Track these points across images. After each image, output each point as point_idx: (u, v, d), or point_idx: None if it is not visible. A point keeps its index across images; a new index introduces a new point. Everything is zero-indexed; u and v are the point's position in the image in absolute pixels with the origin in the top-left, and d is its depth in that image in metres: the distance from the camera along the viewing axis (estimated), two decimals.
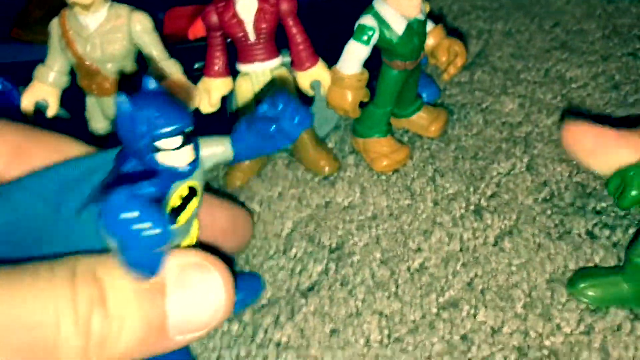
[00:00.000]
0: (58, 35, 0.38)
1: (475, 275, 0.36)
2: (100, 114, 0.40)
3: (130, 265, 0.23)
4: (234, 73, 0.40)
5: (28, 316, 0.22)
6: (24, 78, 0.40)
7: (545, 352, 0.32)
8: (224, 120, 0.43)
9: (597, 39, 0.51)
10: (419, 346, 0.33)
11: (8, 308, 0.22)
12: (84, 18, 0.37)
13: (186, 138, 0.24)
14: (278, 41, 0.39)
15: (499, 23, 0.54)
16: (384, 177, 0.42)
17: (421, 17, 0.39)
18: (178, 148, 0.24)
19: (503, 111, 0.46)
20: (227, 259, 0.27)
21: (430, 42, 0.41)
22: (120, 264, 0.23)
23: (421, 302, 0.35)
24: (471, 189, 0.41)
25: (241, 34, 0.38)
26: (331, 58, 0.39)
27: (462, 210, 0.39)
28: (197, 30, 0.45)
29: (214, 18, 0.38)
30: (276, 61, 0.39)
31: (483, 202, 0.40)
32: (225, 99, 0.41)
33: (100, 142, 0.41)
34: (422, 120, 0.44)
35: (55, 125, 0.40)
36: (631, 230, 0.37)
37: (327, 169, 0.43)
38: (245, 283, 0.35)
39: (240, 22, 0.37)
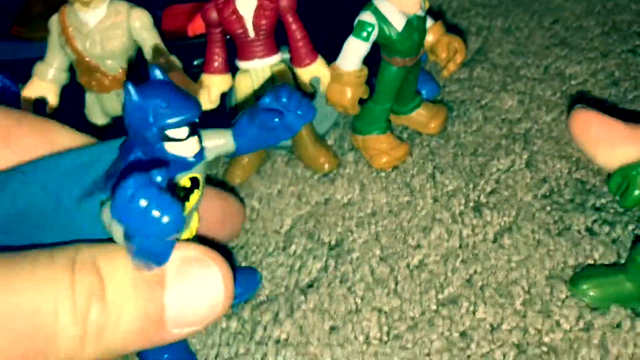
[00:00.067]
0: (58, 31, 0.38)
1: (475, 271, 0.36)
2: (99, 110, 0.40)
3: (139, 254, 0.23)
4: (233, 70, 0.40)
5: (27, 304, 0.22)
6: (24, 75, 0.40)
7: (545, 348, 0.32)
8: (223, 117, 0.43)
9: (596, 36, 0.51)
10: (418, 343, 0.33)
11: (7, 296, 0.22)
12: (84, 14, 0.37)
13: (193, 129, 0.24)
14: (277, 37, 0.39)
15: (499, 20, 0.54)
16: (383, 174, 0.42)
17: (421, 13, 0.39)
18: (185, 138, 0.24)
19: (502, 108, 0.46)
20: (226, 254, 0.27)
21: (429, 38, 0.41)
22: (123, 253, 0.23)
23: (420, 299, 0.35)
24: (471, 186, 0.41)
25: (240, 30, 0.38)
26: (331, 54, 0.39)
27: (462, 207, 0.39)
28: (196, 26, 0.45)
29: (214, 14, 0.38)
30: (276, 58, 0.39)
31: (482, 199, 0.40)
32: (225, 96, 0.41)
33: (100, 137, 0.41)
34: (422, 117, 0.44)
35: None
36: (631, 227, 0.37)
37: (326, 166, 0.43)
38: (243, 277, 0.35)
39: (239, 19, 0.37)
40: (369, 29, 0.38)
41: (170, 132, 0.23)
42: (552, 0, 0.56)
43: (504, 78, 0.48)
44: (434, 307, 0.34)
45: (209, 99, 0.40)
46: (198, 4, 0.49)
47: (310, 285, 0.36)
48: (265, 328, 0.34)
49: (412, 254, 0.37)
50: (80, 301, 0.22)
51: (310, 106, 0.27)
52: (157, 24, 0.40)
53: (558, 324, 0.33)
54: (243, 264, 0.38)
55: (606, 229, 0.37)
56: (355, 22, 0.38)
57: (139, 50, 0.39)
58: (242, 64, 0.39)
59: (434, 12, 0.55)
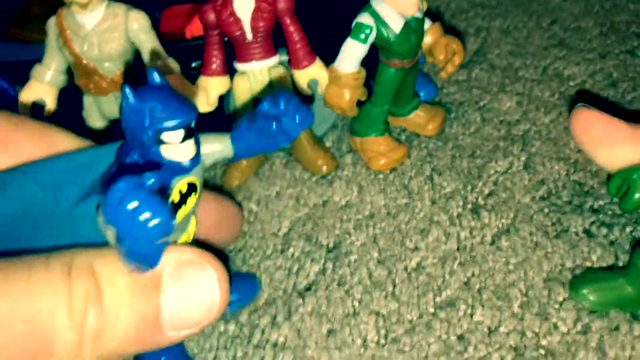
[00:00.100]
0: (55, 34, 0.38)
1: (472, 274, 0.36)
2: (97, 112, 0.40)
3: (129, 256, 0.23)
4: (231, 72, 0.40)
5: (24, 310, 0.22)
6: (22, 78, 0.40)
7: (542, 351, 0.32)
8: (221, 119, 0.43)
9: (594, 37, 0.51)
10: (415, 346, 0.33)
11: (4, 302, 0.22)
12: (82, 17, 0.37)
13: (189, 132, 0.24)
14: (275, 39, 0.39)
15: (497, 21, 0.54)
16: (381, 176, 0.42)
17: (419, 15, 0.38)
18: (181, 142, 0.24)
19: (501, 109, 0.46)
20: (222, 257, 0.27)
21: (427, 40, 0.41)
22: (118, 256, 0.23)
23: (418, 302, 0.35)
24: (469, 188, 0.41)
25: (238, 32, 0.38)
26: (329, 56, 0.39)
27: (460, 209, 0.39)
28: (194, 28, 0.45)
29: (212, 16, 0.38)
30: (273, 60, 0.39)
31: (480, 201, 0.40)
32: (223, 98, 0.41)
33: (98, 140, 0.41)
34: (420, 119, 0.44)
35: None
36: (629, 229, 0.37)
37: (324, 168, 0.43)
38: (242, 284, 0.35)
39: (237, 21, 0.37)
40: (367, 31, 0.38)
41: (165, 136, 0.24)
42: (550, 1, 0.56)
43: (503, 79, 0.48)
44: (431, 310, 0.34)
45: (207, 101, 0.40)
46: (197, 5, 0.49)
47: (308, 289, 0.36)
48: (263, 331, 0.34)
49: (410, 256, 0.37)
50: (78, 306, 0.23)
51: (309, 112, 0.27)
52: (155, 25, 0.40)
53: (556, 326, 0.33)
54: (241, 267, 0.38)
55: (604, 231, 0.37)
56: (353, 24, 0.38)
57: (137, 53, 0.39)
58: (240, 66, 0.39)
59: (432, 13, 0.55)
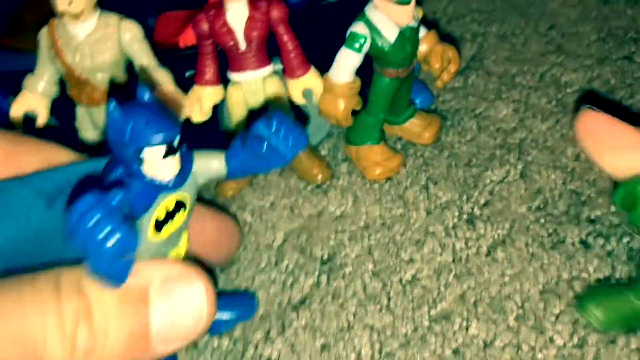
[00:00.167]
0: (47, 44, 0.38)
1: (468, 286, 0.36)
2: (90, 123, 0.40)
3: (93, 272, 0.23)
4: (225, 81, 0.39)
5: (15, 331, 0.22)
6: (14, 88, 0.39)
7: None
8: (215, 128, 0.42)
9: (592, 42, 0.51)
10: None
11: None
12: (73, 27, 0.36)
13: (170, 150, 0.24)
14: (269, 48, 0.39)
15: (494, 26, 0.54)
16: (376, 186, 0.42)
17: (413, 24, 0.38)
18: (162, 159, 0.24)
19: (497, 117, 0.45)
20: (210, 272, 0.27)
21: (423, 48, 0.41)
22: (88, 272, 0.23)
23: (413, 315, 0.35)
24: (464, 198, 0.40)
25: (232, 42, 0.37)
26: (323, 65, 0.39)
27: (455, 220, 0.39)
28: (188, 38, 0.45)
29: (205, 26, 0.37)
30: (267, 69, 0.39)
31: (476, 211, 0.39)
32: (217, 107, 0.41)
33: (91, 151, 0.41)
34: (416, 127, 0.44)
35: (45, 135, 0.39)
36: (625, 240, 0.37)
37: (319, 177, 0.42)
38: (239, 302, 0.35)
39: (230, 31, 0.37)
40: (362, 41, 0.37)
41: (146, 152, 0.23)
42: (548, 5, 0.56)
43: (499, 86, 0.48)
44: (426, 323, 0.34)
45: (200, 111, 0.39)
46: (191, 11, 0.49)
47: (302, 302, 0.36)
48: (256, 346, 0.34)
49: (405, 268, 0.37)
50: (68, 326, 0.23)
51: (303, 135, 0.27)
52: (149, 34, 0.39)
53: (552, 340, 0.33)
54: (236, 280, 0.37)
55: (601, 241, 0.37)
56: (348, 33, 0.38)
57: (130, 63, 0.39)
58: (233, 76, 0.39)
59: (429, 18, 0.55)
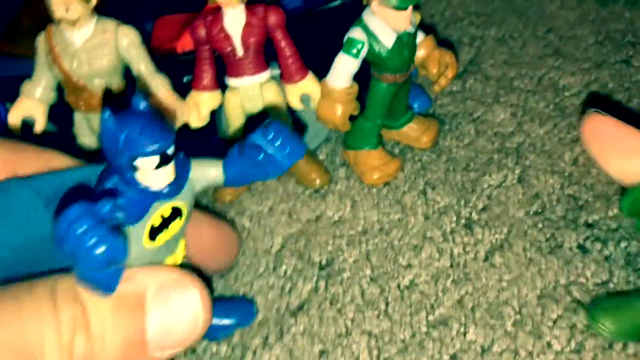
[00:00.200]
0: (45, 51, 0.38)
1: (466, 292, 0.36)
2: (88, 129, 0.40)
3: (82, 280, 0.23)
4: (223, 86, 0.39)
5: (13, 340, 0.22)
6: (12, 93, 0.39)
7: None
8: (213, 134, 0.42)
9: (590, 45, 0.51)
10: None
11: None
12: (70, 34, 0.36)
13: (164, 159, 0.24)
14: (267, 54, 0.39)
15: (492, 29, 0.54)
16: (374, 190, 0.42)
17: (411, 29, 0.38)
18: (156, 168, 0.24)
19: (495, 121, 0.45)
20: (206, 279, 0.28)
21: (420, 53, 0.41)
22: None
23: (411, 321, 0.35)
24: (462, 202, 0.40)
25: (229, 48, 0.37)
26: (321, 71, 0.39)
27: (453, 225, 0.39)
28: (185, 43, 0.45)
29: (202, 32, 0.37)
30: (265, 75, 0.39)
31: (474, 216, 0.39)
32: (215, 113, 0.41)
33: (89, 157, 0.41)
34: (413, 132, 0.44)
35: (43, 141, 0.39)
36: (623, 244, 0.37)
37: (317, 181, 0.42)
38: (238, 308, 0.35)
39: (227, 37, 0.37)
40: (359, 46, 0.37)
41: (139, 162, 0.23)
42: (546, 8, 0.56)
43: (497, 90, 0.48)
44: (424, 329, 0.34)
45: (198, 116, 0.39)
46: (189, 15, 0.49)
47: (300, 308, 0.36)
48: (254, 352, 0.34)
49: (403, 273, 0.37)
50: (66, 333, 0.23)
51: (300, 144, 0.27)
52: (147, 39, 0.39)
53: (549, 345, 0.33)
54: (234, 285, 0.37)
55: (598, 246, 0.37)
56: (345, 39, 0.38)
57: (128, 69, 0.39)
58: (231, 82, 0.39)
59: (427, 22, 0.54)
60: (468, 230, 0.39)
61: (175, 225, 0.27)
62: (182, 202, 0.26)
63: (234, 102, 0.39)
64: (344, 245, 0.39)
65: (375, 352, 0.33)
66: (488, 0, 0.57)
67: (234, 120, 0.40)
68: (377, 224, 0.40)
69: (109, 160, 0.24)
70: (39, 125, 0.39)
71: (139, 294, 0.25)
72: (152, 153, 0.23)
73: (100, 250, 0.22)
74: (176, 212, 0.26)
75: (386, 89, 0.40)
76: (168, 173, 0.25)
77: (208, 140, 0.42)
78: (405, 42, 0.38)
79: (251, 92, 0.39)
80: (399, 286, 0.36)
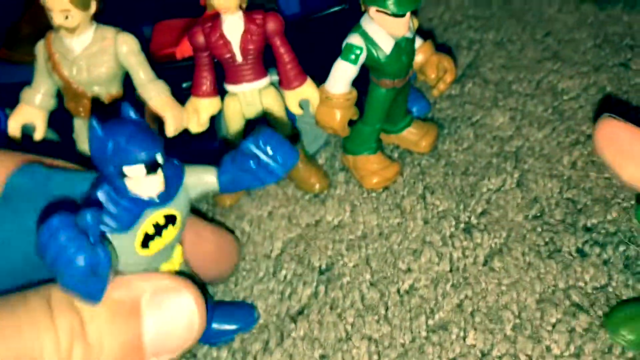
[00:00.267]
0: (44, 57, 0.38)
1: (465, 296, 0.36)
2: (87, 135, 0.40)
3: (66, 289, 0.23)
4: (222, 92, 0.40)
5: (12, 349, 0.22)
6: (11, 100, 0.39)
7: None
8: (213, 139, 0.43)
9: (588, 49, 0.51)
10: None
11: None
12: (70, 41, 0.37)
13: (152, 167, 0.24)
14: (266, 59, 0.39)
15: (491, 33, 0.54)
16: (374, 195, 0.42)
17: (409, 35, 0.38)
18: (145, 176, 0.24)
19: (494, 125, 0.46)
20: (200, 284, 0.28)
21: (418, 58, 0.41)
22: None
23: (411, 325, 0.35)
24: (461, 207, 0.40)
25: (228, 55, 0.37)
26: (320, 76, 0.39)
27: (452, 229, 0.39)
28: (184, 49, 0.45)
29: (201, 39, 0.37)
30: (264, 81, 0.39)
31: (473, 220, 0.40)
32: (214, 119, 0.41)
33: (89, 163, 0.41)
34: (412, 136, 0.44)
35: (43, 147, 0.40)
36: (622, 248, 0.37)
37: (317, 186, 0.42)
38: (240, 313, 0.35)
39: (226, 43, 0.37)
40: (357, 52, 0.38)
41: (127, 170, 0.24)
42: (544, 12, 0.56)
43: (496, 94, 0.48)
44: (424, 333, 0.34)
45: (197, 122, 0.39)
46: (188, 20, 0.49)
47: (300, 312, 0.36)
48: (255, 358, 0.34)
49: (403, 278, 0.37)
50: (64, 342, 0.23)
51: (293, 152, 0.27)
52: (145, 45, 0.40)
53: (548, 349, 0.33)
54: (234, 289, 0.38)
55: (597, 250, 0.37)
56: (343, 44, 0.38)
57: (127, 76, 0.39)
58: (230, 88, 0.39)
59: (425, 25, 0.55)
60: (467, 235, 0.39)
61: (170, 233, 0.27)
62: (175, 209, 0.26)
63: (234, 108, 0.39)
64: (344, 250, 0.39)
65: (375, 357, 0.33)
66: (486, 4, 0.57)
67: (234, 126, 0.40)
68: (376, 229, 0.40)
69: (98, 168, 0.25)
70: (39, 133, 0.39)
71: (134, 300, 0.25)
72: (139, 162, 0.24)
73: (80, 261, 0.22)
74: (170, 220, 0.26)
75: (385, 94, 0.40)
76: (158, 181, 0.25)
77: (207, 146, 0.42)
78: (404, 48, 0.38)
79: (250, 98, 0.39)
80: (398, 291, 0.36)
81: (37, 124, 0.39)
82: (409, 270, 0.37)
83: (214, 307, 0.34)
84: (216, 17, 0.37)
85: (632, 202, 0.39)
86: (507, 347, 0.33)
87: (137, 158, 0.23)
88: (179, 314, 0.26)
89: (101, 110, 0.38)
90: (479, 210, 0.40)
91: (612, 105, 0.46)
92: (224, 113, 0.40)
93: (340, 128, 0.39)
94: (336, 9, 0.44)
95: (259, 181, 0.27)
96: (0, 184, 0.28)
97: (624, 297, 0.35)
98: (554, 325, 0.34)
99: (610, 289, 0.35)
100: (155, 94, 0.38)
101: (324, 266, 0.38)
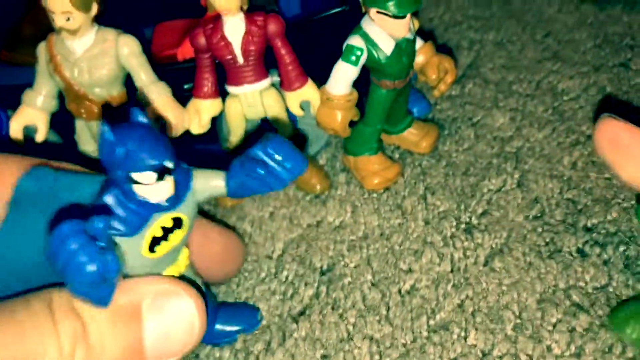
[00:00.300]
0: (46, 59, 0.38)
1: (466, 296, 0.36)
2: (89, 136, 0.40)
3: (75, 295, 0.23)
4: (223, 93, 0.40)
5: (16, 354, 0.22)
6: (13, 101, 0.40)
7: None
8: (214, 141, 0.43)
9: (588, 49, 0.51)
10: None
11: None
12: (71, 43, 0.37)
13: (162, 173, 0.24)
14: (267, 60, 0.39)
15: (491, 33, 0.54)
16: (375, 195, 0.42)
17: (410, 36, 0.38)
18: (154, 183, 0.24)
19: (494, 125, 0.46)
20: (199, 288, 0.28)
21: (419, 59, 0.41)
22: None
23: (412, 325, 0.35)
24: (462, 207, 0.41)
25: (229, 56, 0.37)
26: (321, 77, 0.39)
27: (453, 229, 0.39)
28: (186, 51, 0.45)
29: (202, 40, 0.38)
30: (265, 82, 0.39)
31: (474, 220, 0.40)
32: (215, 120, 0.41)
33: (90, 164, 0.41)
34: (413, 137, 0.44)
35: (44, 148, 0.40)
36: (622, 248, 0.37)
37: (318, 187, 0.43)
38: (243, 314, 0.35)
39: (228, 45, 0.37)
40: (358, 53, 0.38)
41: (136, 176, 0.24)
42: (544, 12, 0.56)
43: (496, 94, 0.48)
44: (425, 333, 0.34)
45: (199, 124, 0.40)
46: (190, 21, 0.49)
47: (302, 313, 0.36)
48: (257, 358, 0.34)
49: (404, 278, 0.37)
50: (66, 346, 0.23)
51: (301, 159, 0.27)
52: (147, 47, 0.40)
53: (549, 349, 0.33)
54: (236, 290, 0.38)
55: (597, 250, 0.37)
56: (344, 46, 0.38)
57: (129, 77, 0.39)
58: (231, 89, 0.39)
59: (426, 26, 0.55)
60: (468, 235, 0.39)
61: (177, 236, 0.27)
62: (183, 213, 0.27)
63: (235, 110, 0.40)
64: (345, 251, 0.39)
65: (376, 357, 0.34)
66: (486, 4, 0.57)
67: (235, 127, 0.40)
68: (377, 229, 0.40)
69: (107, 172, 0.25)
70: (41, 134, 0.39)
71: (135, 304, 0.25)
72: (150, 168, 0.24)
73: (91, 268, 0.22)
74: (177, 223, 0.27)
75: (385, 95, 0.40)
76: (167, 187, 0.25)
77: (209, 147, 0.42)
78: (404, 49, 0.38)
79: (251, 99, 0.39)
80: (400, 291, 0.36)
81: (38, 125, 0.39)
82: (410, 270, 0.37)
83: (217, 308, 0.34)
84: (217, 18, 0.37)
85: (632, 202, 0.39)
86: (508, 347, 0.33)
87: (148, 165, 0.23)
88: (179, 317, 0.26)
89: (109, 114, 0.38)
90: (480, 210, 0.40)
91: (612, 106, 0.46)
92: (225, 114, 0.40)
93: (341, 129, 0.39)
94: (337, 10, 0.44)
95: (267, 187, 0.27)
96: (10, 188, 0.28)
97: (624, 297, 0.35)
98: (554, 325, 0.34)
99: (611, 289, 0.35)
100: (157, 95, 0.38)
101: (325, 267, 0.38)
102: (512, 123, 0.46)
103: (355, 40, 0.38)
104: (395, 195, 0.42)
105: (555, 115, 0.46)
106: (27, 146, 0.39)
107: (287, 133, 0.41)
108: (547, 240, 0.38)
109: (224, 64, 0.38)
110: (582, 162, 0.42)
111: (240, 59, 0.38)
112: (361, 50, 0.38)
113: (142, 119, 0.25)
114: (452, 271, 0.37)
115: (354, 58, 0.38)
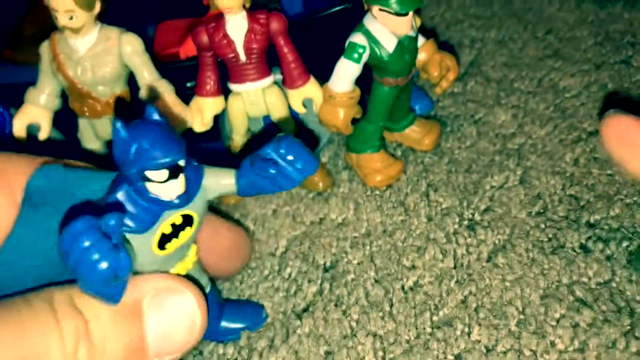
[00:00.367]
0: (49, 58, 0.38)
1: (469, 292, 0.36)
2: (92, 134, 0.40)
3: (86, 292, 0.23)
4: (226, 91, 0.40)
5: (18, 352, 0.22)
6: (16, 100, 0.40)
7: None
8: (217, 138, 0.43)
9: (589, 47, 0.51)
10: None
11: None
12: (74, 41, 0.37)
13: (174, 172, 0.24)
14: (269, 58, 0.39)
15: (492, 31, 0.54)
16: (377, 193, 0.42)
17: (412, 33, 0.38)
18: (165, 181, 0.24)
19: (496, 122, 0.46)
20: (201, 285, 0.28)
21: (421, 57, 0.41)
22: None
23: (415, 322, 0.35)
24: (465, 204, 0.41)
25: (232, 54, 0.38)
26: (323, 75, 0.39)
27: (456, 226, 0.39)
28: (188, 49, 0.45)
29: (204, 38, 0.38)
30: (268, 80, 0.39)
31: (477, 217, 0.40)
32: (218, 117, 0.41)
33: (94, 162, 0.41)
34: (415, 134, 0.44)
35: (47, 146, 0.40)
36: (625, 244, 0.37)
37: (320, 184, 0.43)
38: (248, 312, 0.35)
39: (230, 43, 0.37)
40: (360, 51, 0.38)
41: (149, 174, 0.24)
42: (545, 10, 0.56)
43: (498, 92, 0.48)
44: (428, 329, 0.35)
45: (202, 122, 0.40)
46: (192, 20, 0.49)
47: (305, 310, 0.36)
48: (261, 354, 0.34)
49: (407, 275, 0.37)
50: (69, 344, 0.23)
51: (313, 159, 0.27)
52: (149, 45, 0.40)
53: (553, 344, 0.33)
54: (240, 287, 0.38)
55: (600, 245, 0.37)
56: (346, 43, 0.38)
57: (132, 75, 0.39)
58: (234, 87, 0.39)
59: (427, 24, 0.55)
60: (471, 231, 0.39)
61: (186, 233, 0.27)
62: (193, 210, 0.27)
63: (237, 107, 0.40)
64: (348, 248, 0.39)
65: (380, 353, 0.34)
66: (488, 3, 0.57)
67: (237, 125, 0.40)
68: (380, 226, 0.40)
69: (119, 169, 0.25)
70: (44, 133, 0.39)
71: (136, 301, 0.26)
72: (163, 166, 0.24)
73: (103, 265, 0.22)
74: (187, 220, 0.27)
75: (388, 93, 0.40)
76: (179, 185, 0.25)
77: (211, 146, 0.42)
78: (407, 46, 0.38)
79: (254, 97, 0.39)
80: (403, 287, 0.37)
81: (42, 124, 0.39)
82: (413, 267, 0.38)
83: (223, 305, 0.34)
84: (220, 16, 0.37)
85: (635, 198, 0.39)
86: (512, 342, 0.33)
87: (162, 163, 0.23)
88: (181, 315, 0.26)
89: (120, 111, 0.38)
90: (483, 207, 0.40)
91: (613, 103, 0.46)
92: (227, 112, 0.40)
93: (343, 126, 0.39)
94: (339, 8, 0.44)
95: (277, 187, 0.27)
96: (22, 187, 0.28)
97: (627, 293, 0.35)
98: (558, 321, 0.34)
99: (614, 284, 0.35)
100: (160, 93, 0.38)
101: (328, 264, 0.38)
102: (514, 120, 0.46)
103: (357, 38, 0.38)
104: (398, 193, 0.42)
105: (557, 113, 0.46)
106: (30, 144, 0.39)
107: (290, 131, 0.41)
108: (550, 236, 0.38)
109: (226, 62, 0.38)
110: (584, 158, 0.42)
111: (243, 57, 0.38)
112: (363, 47, 0.38)
113: (156, 116, 0.25)
114: (455, 267, 0.37)
115: (356, 55, 0.38)
